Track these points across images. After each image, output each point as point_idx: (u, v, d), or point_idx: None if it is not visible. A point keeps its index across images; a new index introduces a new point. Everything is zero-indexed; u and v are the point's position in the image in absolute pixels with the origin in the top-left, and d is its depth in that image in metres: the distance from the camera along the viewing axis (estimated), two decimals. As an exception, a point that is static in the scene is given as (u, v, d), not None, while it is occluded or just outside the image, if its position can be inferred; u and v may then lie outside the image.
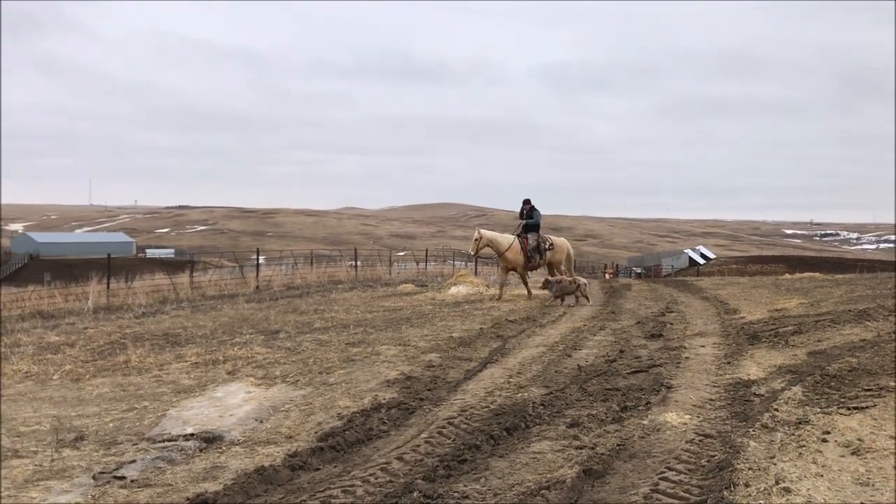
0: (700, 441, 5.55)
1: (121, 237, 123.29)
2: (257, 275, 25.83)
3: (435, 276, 30.94)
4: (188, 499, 4.65)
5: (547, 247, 17.72)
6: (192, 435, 6.27)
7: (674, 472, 4.87)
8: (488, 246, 17.38)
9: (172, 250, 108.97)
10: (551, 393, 7.34)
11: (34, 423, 6.96)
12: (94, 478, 5.15)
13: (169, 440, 6.18)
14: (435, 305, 17.11)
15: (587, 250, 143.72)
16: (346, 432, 6.07)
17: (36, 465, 5.53)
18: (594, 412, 6.52)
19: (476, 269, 36.83)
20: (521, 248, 17.35)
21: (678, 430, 5.86)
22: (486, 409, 6.71)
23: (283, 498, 4.67)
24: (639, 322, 13.22)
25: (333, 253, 40.57)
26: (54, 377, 9.22)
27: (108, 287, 21.10)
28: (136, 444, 6.13)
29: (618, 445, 5.52)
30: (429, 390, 7.62)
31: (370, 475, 4.98)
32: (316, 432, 6.20)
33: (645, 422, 6.12)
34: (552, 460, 5.28)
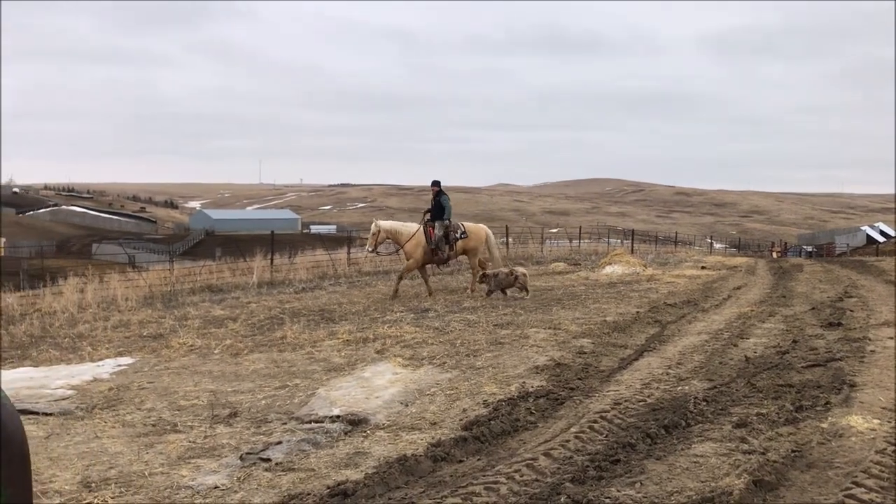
0: (894, 452, 4.84)
1: (287, 214, 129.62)
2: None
3: (588, 254, 30.21)
4: (328, 487, 4.54)
5: (458, 235, 15.31)
6: (338, 417, 6.23)
7: (863, 490, 4.24)
8: (388, 238, 15.24)
9: (334, 226, 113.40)
10: (715, 387, 6.75)
11: (193, 397, 7.20)
12: (241, 458, 5.18)
13: (316, 421, 6.17)
14: (588, 286, 16.58)
15: (752, 227, 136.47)
16: (492, 422, 5.81)
17: (190, 442, 5.65)
18: (764, 411, 5.90)
19: (633, 247, 35.65)
20: (426, 238, 15.03)
21: (865, 437, 5.16)
22: (641, 403, 6.25)
23: (423, 492, 4.48)
24: (813, 308, 12.16)
25: (486, 230, 40.56)
26: (215, 351, 9.58)
27: (271, 263, 22.02)
28: (285, 423, 6.17)
29: (793, 452, 4.92)
30: (580, 379, 7.23)
31: (515, 472, 4.69)
32: (461, 420, 5.99)
33: (824, 425, 5.45)
34: (716, 466, 4.77)
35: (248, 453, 5.28)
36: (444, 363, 8.21)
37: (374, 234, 14.82)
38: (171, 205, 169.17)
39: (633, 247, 36.28)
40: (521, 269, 14.60)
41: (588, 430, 5.54)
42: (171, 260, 27.42)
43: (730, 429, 5.50)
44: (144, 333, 11.27)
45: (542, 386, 6.97)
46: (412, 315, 12.03)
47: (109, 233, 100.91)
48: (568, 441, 5.28)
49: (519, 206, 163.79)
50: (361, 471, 4.88)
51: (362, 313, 12.56)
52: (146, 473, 4.90)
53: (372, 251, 15.36)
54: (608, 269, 20.24)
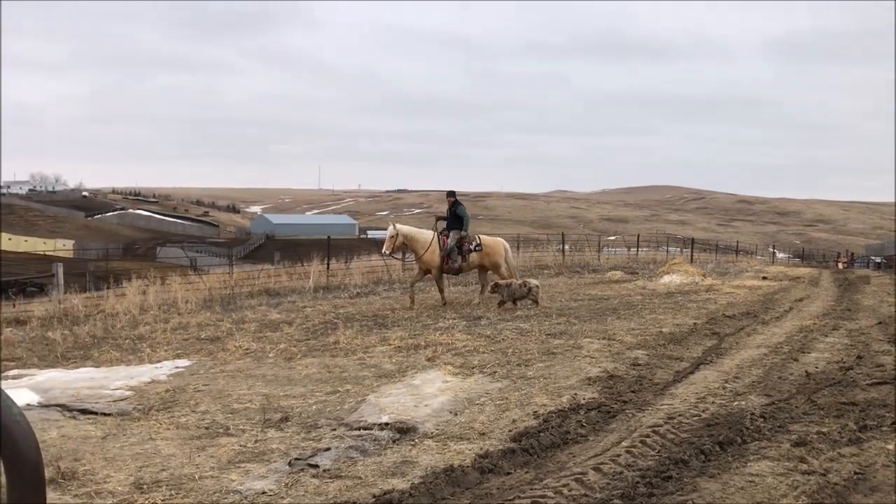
0: (963, 478, 4.61)
1: (345, 219, 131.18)
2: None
3: (647, 263, 29.77)
4: (374, 496, 4.54)
5: (473, 247, 14.82)
6: (386, 424, 6.23)
7: (928, 517, 4.05)
8: (405, 244, 14.80)
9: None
10: (773, 403, 6.55)
11: (247, 400, 7.30)
12: (289, 464, 5.22)
13: (365, 428, 6.18)
14: (645, 295, 16.33)
15: (817, 236, 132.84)
16: (541, 434, 5.73)
17: (241, 446, 5.72)
18: (825, 430, 5.69)
19: (692, 256, 35.02)
20: (440, 247, 14.66)
21: (933, 461, 4.93)
22: (696, 418, 6.09)
23: (469, 503, 4.44)
24: (881, 322, 11.72)
25: (541, 237, 40.32)
26: (270, 355, 9.71)
27: (327, 267, 22.26)
28: (335, 429, 6.19)
29: (855, 474, 4.72)
30: (633, 392, 7.09)
31: (563, 486, 4.61)
32: (510, 431, 5.93)
33: (890, 446, 5.22)
34: (773, 486, 4.61)
35: (296, 459, 5.32)
36: (495, 372, 8.16)
37: (392, 237, 14.44)
38: (234, 209, 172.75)
39: (692, 256, 35.64)
40: (534, 281, 14.33)
41: (640, 444, 5.42)
42: (230, 263, 28.00)
43: (788, 447, 5.31)
44: (202, 336, 11.49)
45: (593, 398, 6.87)
46: (464, 322, 12.00)
47: (173, 236, 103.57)
48: (619, 455, 5.18)
49: (576, 213, 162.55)
50: (408, 480, 4.86)
51: (414, 319, 12.58)
52: (196, 477, 4.97)
53: (389, 254, 15.02)
54: (666, 279, 19.90)
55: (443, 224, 15.13)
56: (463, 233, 14.72)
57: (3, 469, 1.56)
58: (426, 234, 14.81)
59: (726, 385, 7.33)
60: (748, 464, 5.00)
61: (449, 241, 14.58)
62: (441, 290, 15.00)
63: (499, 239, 15.91)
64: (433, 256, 14.48)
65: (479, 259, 14.90)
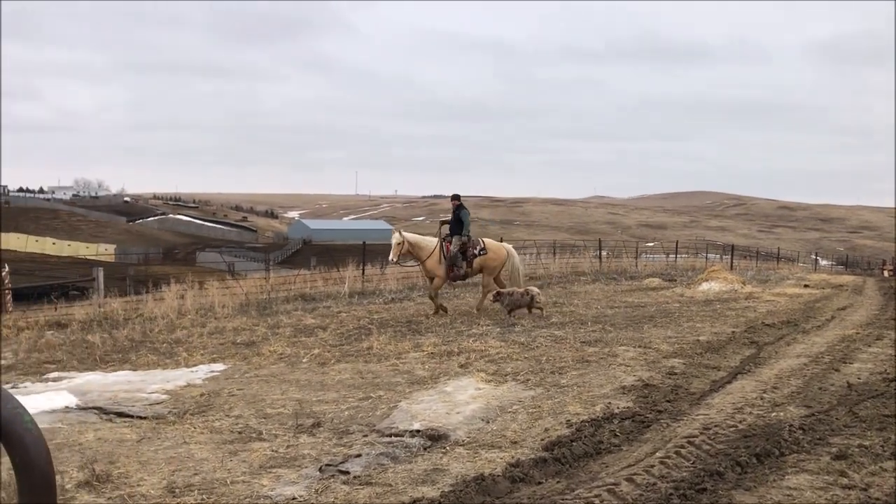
0: None
1: (381, 224, 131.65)
2: (501, 264, 26.08)
3: (685, 270, 29.41)
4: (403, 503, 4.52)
5: (477, 252, 14.51)
6: (418, 431, 6.21)
7: (975, 535, 3.91)
8: (409, 252, 14.53)
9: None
10: (813, 415, 6.40)
11: (280, 405, 7.34)
12: (320, 470, 5.22)
13: (396, 435, 6.17)
14: (682, 303, 16.12)
15: (861, 243, 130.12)
16: (574, 443, 5.67)
17: (273, 451, 5.74)
18: (867, 443, 5.54)
19: (732, 263, 34.52)
20: (443, 253, 14.40)
21: (981, 477, 4.76)
22: (732, 429, 5.97)
23: (499, 513, 4.39)
24: (926, 333, 11.40)
25: (578, 243, 40.08)
26: (304, 360, 9.76)
27: (362, 273, 22.35)
28: (366, 435, 6.19)
29: (898, 489, 4.59)
30: (668, 401, 6.98)
31: (595, 496, 4.54)
32: (542, 439, 5.87)
33: (934, 461, 5.07)
34: (812, 500, 4.49)
35: (327, 465, 5.32)
36: (528, 380, 8.10)
37: (398, 244, 14.26)
38: (272, 214, 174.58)
39: (731, 263, 35.13)
40: (535, 290, 14.06)
41: (674, 455, 5.33)
42: (267, 268, 28.27)
43: (828, 461, 5.18)
44: (238, 340, 11.60)
45: (628, 407, 6.77)
46: (498, 329, 11.94)
47: (212, 241, 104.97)
48: (652, 466, 5.09)
49: (614, 218, 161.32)
50: (438, 488, 4.83)
51: (448, 325, 12.56)
52: (228, 481, 5.00)
53: (396, 261, 14.87)
54: (704, 286, 19.62)
55: (446, 229, 15.00)
56: (465, 238, 14.51)
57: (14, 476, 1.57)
58: (430, 241, 14.72)
59: (764, 395, 7.19)
60: (786, 477, 4.89)
61: (452, 247, 14.41)
62: (435, 299, 14.67)
63: (504, 244, 15.75)
64: (436, 263, 14.33)
65: (483, 263, 14.70)
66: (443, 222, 15.28)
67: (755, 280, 24.22)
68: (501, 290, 13.87)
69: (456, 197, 15.18)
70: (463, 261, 14.39)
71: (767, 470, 5.04)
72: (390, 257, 14.53)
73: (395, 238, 14.37)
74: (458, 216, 14.68)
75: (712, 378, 8.10)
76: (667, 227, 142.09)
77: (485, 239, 15.35)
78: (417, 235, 15.13)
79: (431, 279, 14.62)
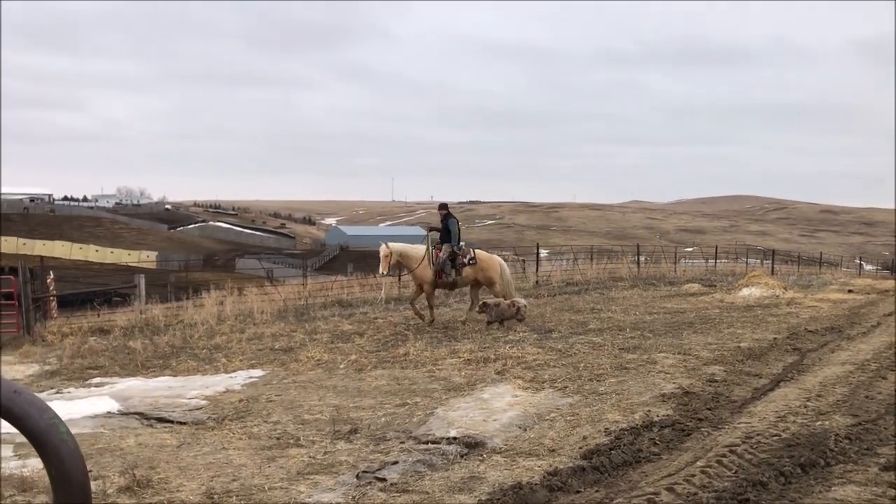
0: None
1: (417, 230, 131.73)
2: (537, 269, 25.97)
3: (725, 275, 28.99)
4: (441, 512, 4.50)
5: (467, 261, 14.28)
6: (454, 438, 6.18)
7: None
8: (399, 262, 14.39)
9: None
10: (860, 424, 6.23)
11: (317, 411, 7.37)
12: (357, 476, 5.22)
13: (433, 442, 6.16)
14: (722, 309, 15.87)
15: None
16: (613, 451, 5.59)
17: (310, 457, 5.76)
18: (917, 454, 5.38)
19: (773, 268, 33.96)
20: (432, 262, 14.18)
21: None
22: (775, 438, 5.84)
23: (537, 522, 4.35)
24: (978, 339, 11.07)
25: (616, 248, 39.75)
26: (341, 366, 9.80)
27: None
28: (403, 442, 6.18)
29: (950, 502, 4.44)
30: (709, 409, 6.86)
31: (634, 506, 4.47)
32: (580, 448, 5.80)
33: None
34: (859, 512, 4.37)
35: (364, 472, 5.32)
36: (566, 387, 8.02)
37: (385, 257, 14.15)
38: (309, 221, 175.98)
39: (772, 268, 34.55)
40: (522, 301, 13.72)
41: (715, 464, 5.23)
42: (305, 274, 28.47)
43: (876, 471, 5.04)
44: (276, 346, 11.70)
45: (668, 415, 6.67)
46: (535, 335, 11.87)
47: (251, 248, 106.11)
48: (693, 476, 5.00)
49: (652, 223, 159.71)
50: (475, 496, 4.80)
51: (485, 332, 12.53)
52: (266, 487, 5.02)
53: (386, 273, 14.89)
54: (745, 292, 19.30)
55: (435, 235, 14.83)
56: (454, 247, 14.35)
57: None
58: (419, 250, 14.57)
59: (808, 403, 7.03)
60: (832, 488, 4.76)
61: (441, 254, 14.25)
62: (431, 308, 14.50)
63: (495, 256, 15.55)
64: (425, 271, 14.18)
65: (474, 274, 14.50)
66: (430, 229, 15.15)
67: (797, 285, 23.77)
68: (487, 300, 13.59)
69: (444, 206, 15.11)
70: (452, 269, 14.24)
71: (813, 480, 4.92)
72: (380, 270, 14.45)
73: (383, 251, 14.29)
74: (446, 225, 14.54)
75: (754, 385, 7.95)
76: (706, 232, 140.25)
77: (477, 250, 15.20)
78: (405, 245, 15.03)
79: (421, 287, 14.46)
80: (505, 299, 13.80)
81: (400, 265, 14.67)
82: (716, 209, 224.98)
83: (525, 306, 13.61)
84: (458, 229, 14.59)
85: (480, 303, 13.75)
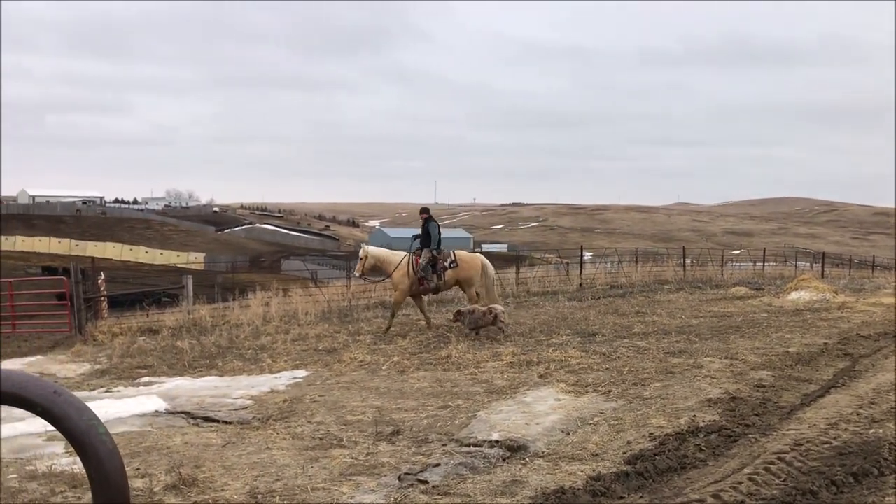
0: None
1: (460, 233, 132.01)
2: (581, 272, 25.75)
3: (773, 278, 28.39)
4: (482, 515, 4.48)
5: (448, 264, 14.01)
6: (497, 442, 6.16)
7: None
8: (376, 266, 14.20)
9: (505, 245, 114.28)
10: (915, 432, 6.05)
11: (360, 412, 7.41)
12: (399, 478, 5.24)
13: (475, 445, 6.15)
14: (770, 313, 15.55)
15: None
16: (657, 457, 5.52)
17: (353, 458, 5.79)
18: (976, 464, 5.20)
19: (823, 271, 33.22)
20: (411, 266, 14.00)
21: None
22: (826, 446, 5.70)
23: (579, 528, 4.31)
24: None
25: (661, 251, 39.26)
26: (383, 368, 9.84)
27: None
28: (445, 444, 6.18)
29: None
30: (756, 415, 6.73)
31: (680, 513, 4.41)
32: (624, 453, 5.74)
33: None
34: (914, 524, 4.24)
35: (406, 474, 5.33)
36: (610, 391, 7.94)
37: (361, 259, 14.14)
38: (353, 223, 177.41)
39: (823, 271, 33.78)
40: (499, 308, 13.20)
41: (763, 472, 5.12)
42: (349, 276, 28.65)
43: (932, 482, 4.89)
44: (320, 347, 11.79)
45: (714, 421, 6.56)
46: (579, 339, 11.77)
47: (296, 249, 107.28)
48: (740, 483, 4.91)
49: (698, 226, 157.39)
50: (517, 500, 4.77)
51: (527, 335, 12.46)
52: (309, 488, 5.06)
53: (360, 276, 14.80)
54: (794, 295, 18.88)
55: (416, 241, 14.65)
56: (434, 251, 14.14)
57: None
58: (397, 255, 14.49)
59: (861, 411, 6.84)
60: (885, 498, 4.64)
61: (420, 260, 14.07)
62: (393, 315, 14.18)
63: (477, 255, 15.34)
64: (402, 277, 14.02)
65: (455, 275, 14.32)
66: (415, 237, 14.94)
67: (848, 289, 23.18)
68: (462, 308, 13.31)
69: (425, 210, 14.97)
70: (433, 273, 14.08)
71: (866, 490, 4.80)
72: (355, 272, 14.39)
73: (360, 253, 14.33)
74: (426, 229, 14.35)
75: (803, 391, 7.78)
76: (753, 235, 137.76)
77: (457, 251, 15.03)
78: (384, 250, 15.06)
79: (404, 293, 14.29)
80: (482, 304, 13.40)
81: (377, 269, 14.55)
82: (764, 211, 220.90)
83: (503, 313, 12.98)
84: (439, 233, 14.46)
85: (455, 312, 13.38)
